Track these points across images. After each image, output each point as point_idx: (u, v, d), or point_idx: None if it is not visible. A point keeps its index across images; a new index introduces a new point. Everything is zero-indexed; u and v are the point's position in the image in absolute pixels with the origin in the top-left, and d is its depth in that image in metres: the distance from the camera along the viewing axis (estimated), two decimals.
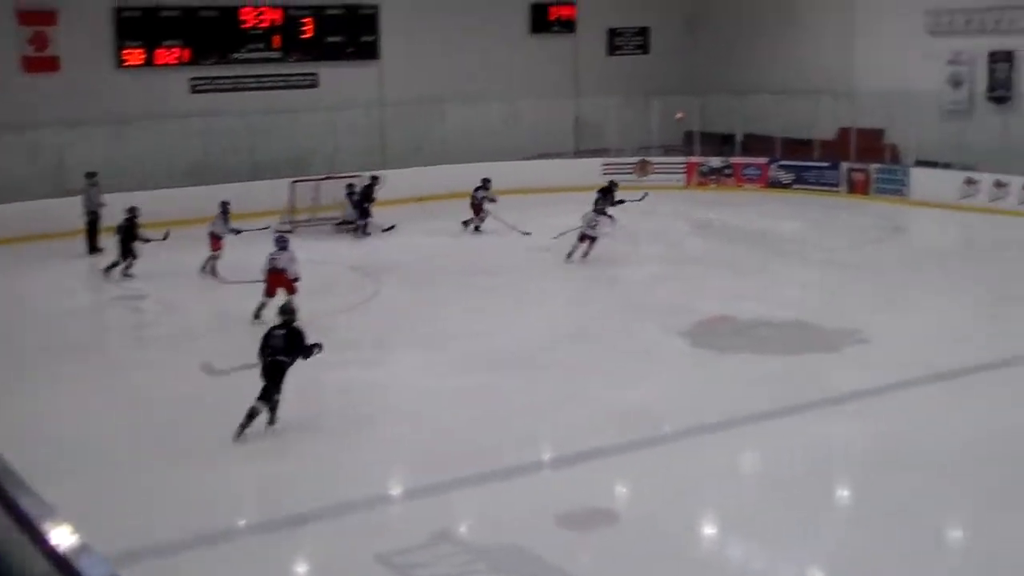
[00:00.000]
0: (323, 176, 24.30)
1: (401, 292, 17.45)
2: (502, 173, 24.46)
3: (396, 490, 10.18)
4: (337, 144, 26.50)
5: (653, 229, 22.11)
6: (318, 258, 19.07)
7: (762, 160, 27.64)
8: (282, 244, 15.72)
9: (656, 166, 28.53)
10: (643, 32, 31.52)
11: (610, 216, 19.54)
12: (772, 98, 28.21)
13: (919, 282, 17.38)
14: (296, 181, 23.87)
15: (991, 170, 23.76)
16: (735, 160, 27.98)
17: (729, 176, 27.87)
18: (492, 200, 22.04)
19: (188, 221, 21.13)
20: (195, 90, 25.63)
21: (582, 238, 18.64)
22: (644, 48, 31.61)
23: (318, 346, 11.39)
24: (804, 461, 10.23)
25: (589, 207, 19.39)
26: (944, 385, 12.22)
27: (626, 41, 31.29)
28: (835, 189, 26.22)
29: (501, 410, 11.74)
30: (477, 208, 22.15)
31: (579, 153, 29.38)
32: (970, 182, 24.12)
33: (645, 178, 27.67)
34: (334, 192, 23.17)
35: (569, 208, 20.88)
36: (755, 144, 28.62)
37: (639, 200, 21.45)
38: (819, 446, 10.63)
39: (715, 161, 28.18)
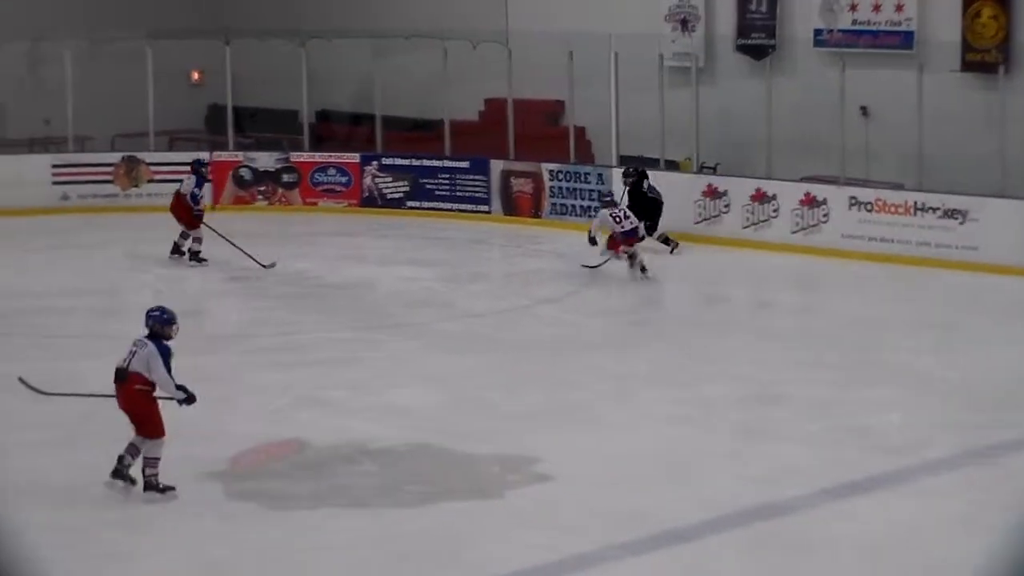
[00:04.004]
0: None
1: None
2: None
3: None
4: None
5: (150, 285, 18.79)
6: None
7: (351, 157, 24.43)
8: None
9: (155, 169, 23.86)
10: None
11: None
12: (367, 46, 24.83)
13: (625, 372, 14.84)
14: None
15: (747, 172, 20.74)
16: (300, 158, 24.55)
17: (292, 187, 24.33)
18: None
19: None
20: None
21: None
22: None
23: None
24: None
25: None
26: (673, 550, 10.19)
27: None
28: (481, 209, 23.15)
29: None
30: None
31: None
32: (713, 193, 20.39)
33: (136, 189, 23.66)
34: None
35: None
36: (336, 129, 26.42)
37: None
38: None
39: (264, 159, 24.46)
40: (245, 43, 25.69)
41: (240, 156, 24.33)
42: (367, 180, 24.04)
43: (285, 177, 24.09)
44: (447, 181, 23.46)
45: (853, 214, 19.01)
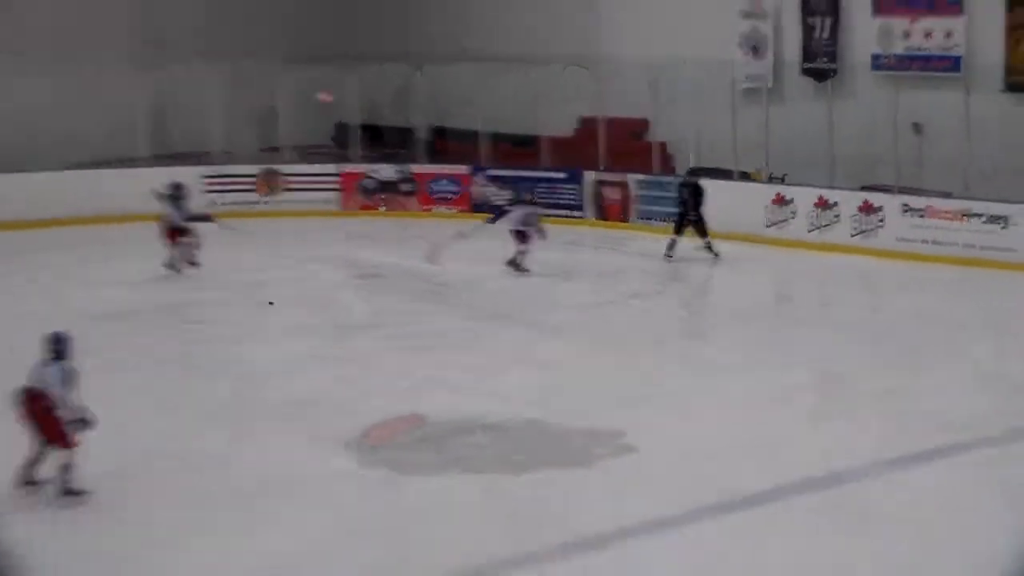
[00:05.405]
0: None
1: None
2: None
3: None
4: None
5: (289, 281, 18.81)
6: None
7: (461, 169, 24.41)
8: None
9: (291, 180, 24.20)
10: None
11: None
12: (475, 70, 24.31)
13: (705, 359, 14.89)
14: None
15: (811, 181, 20.43)
16: (419, 170, 24.65)
17: (410, 195, 24.38)
18: None
19: None
20: None
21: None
22: None
23: None
24: None
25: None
26: (748, 514, 10.03)
27: None
28: (576, 214, 22.90)
29: None
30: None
31: (158, 159, 24.15)
32: (781, 201, 20.25)
33: (274, 197, 23.87)
34: None
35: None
36: (449, 144, 26.15)
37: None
38: None
39: (386, 171, 24.50)
40: (369, 68, 25.30)
41: (364, 168, 24.15)
42: (476, 189, 24.08)
43: (404, 187, 23.98)
44: (546, 190, 23.01)
45: (906, 219, 18.48)
